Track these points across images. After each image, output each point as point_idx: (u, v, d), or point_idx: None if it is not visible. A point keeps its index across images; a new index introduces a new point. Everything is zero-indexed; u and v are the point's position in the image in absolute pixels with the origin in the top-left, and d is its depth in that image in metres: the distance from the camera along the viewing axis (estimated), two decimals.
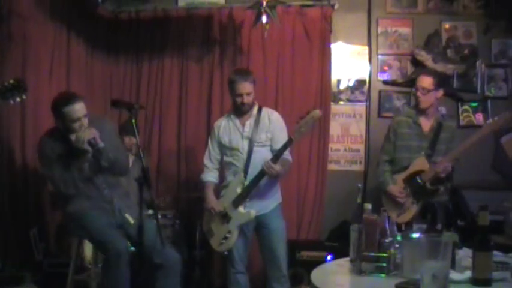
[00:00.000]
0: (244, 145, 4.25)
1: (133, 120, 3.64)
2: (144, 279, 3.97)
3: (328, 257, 4.80)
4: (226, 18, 5.52)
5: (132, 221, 3.87)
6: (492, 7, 5.38)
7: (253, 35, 5.43)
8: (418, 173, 4.30)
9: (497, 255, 2.66)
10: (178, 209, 5.29)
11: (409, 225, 3.33)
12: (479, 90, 5.46)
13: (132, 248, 3.93)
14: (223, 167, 4.41)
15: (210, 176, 4.39)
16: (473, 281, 2.37)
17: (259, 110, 4.34)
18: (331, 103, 5.52)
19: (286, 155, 4.23)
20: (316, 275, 2.67)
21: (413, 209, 4.30)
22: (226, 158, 4.34)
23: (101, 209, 3.88)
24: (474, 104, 5.47)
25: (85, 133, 3.63)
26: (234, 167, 4.28)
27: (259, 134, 4.25)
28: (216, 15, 5.55)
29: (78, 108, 3.68)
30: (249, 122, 4.29)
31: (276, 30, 5.27)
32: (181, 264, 4.00)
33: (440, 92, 4.44)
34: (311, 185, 5.42)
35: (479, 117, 5.44)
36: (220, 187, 4.43)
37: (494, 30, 5.41)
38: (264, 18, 4.92)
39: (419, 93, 4.38)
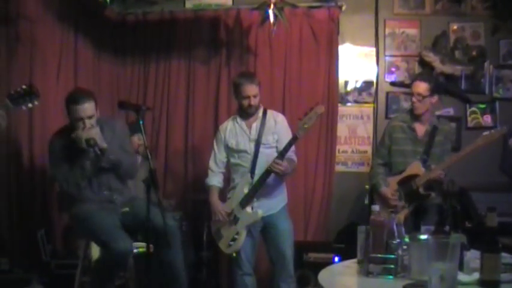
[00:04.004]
0: (251, 147, 4.26)
1: (141, 122, 3.66)
2: (152, 279, 3.96)
3: (336, 259, 4.77)
4: (233, 20, 5.52)
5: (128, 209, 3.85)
6: (500, 8, 5.36)
7: (260, 36, 5.44)
8: (412, 177, 4.33)
9: (506, 257, 2.64)
10: (186, 210, 5.29)
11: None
12: (487, 92, 5.44)
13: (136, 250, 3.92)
14: (230, 170, 4.41)
15: (215, 180, 4.39)
16: (481, 282, 2.36)
17: (265, 112, 4.34)
18: (339, 104, 5.51)
19: (291, 155, 4.23)
20: (323, 276, 2.67)
21: (403, 212, 4.32)
22: (233, 160, 4.34)
23: (105, 209, 3.86)
24: (482, 106, 5.45)
25: (84, 132, 3.64)
26: (242, 168, 4.28)
27: (266, 136, 4.26)
28: (223, 16, 5.56)
29: (84, 108, 3.68)
30: (256, 125, 4.29)
31: (283, 31, 5.27)
32: (180, 229, 3.94)
33: (435, 98, 4.43)
34: (318, 186, 5.40)
35: (487, 119, 5.43)
36: (227, 189, 4.43)
37: (502, 31, 5.40)
38: (271, 18, 4.93)
39: (414, 99, 4.40)
